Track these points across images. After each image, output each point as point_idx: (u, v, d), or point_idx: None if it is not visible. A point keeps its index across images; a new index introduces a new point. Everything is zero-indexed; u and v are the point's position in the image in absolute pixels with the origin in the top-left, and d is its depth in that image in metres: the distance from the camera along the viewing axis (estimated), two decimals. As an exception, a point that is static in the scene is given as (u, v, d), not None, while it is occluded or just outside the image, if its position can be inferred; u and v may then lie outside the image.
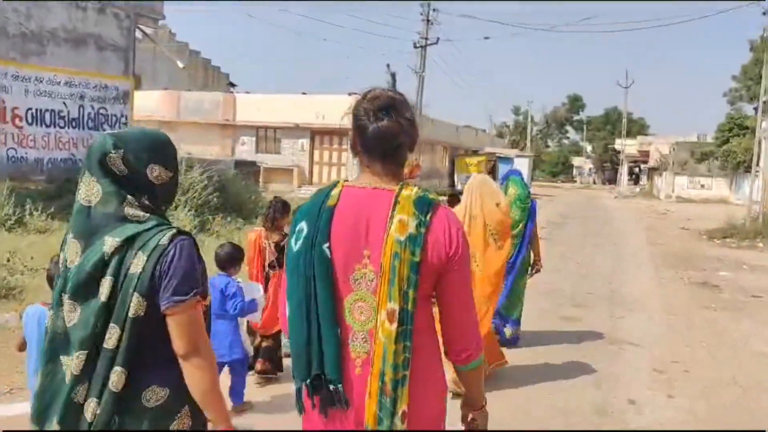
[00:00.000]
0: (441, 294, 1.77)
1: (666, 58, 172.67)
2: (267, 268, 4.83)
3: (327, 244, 1.70)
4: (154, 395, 1.82)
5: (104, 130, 11.28)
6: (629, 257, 13.55)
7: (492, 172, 38.54)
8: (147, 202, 1.85)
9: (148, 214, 1.83)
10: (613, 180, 66.77)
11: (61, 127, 10.97)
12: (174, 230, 1.83)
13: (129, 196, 1.82)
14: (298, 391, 1.78)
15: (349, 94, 26.41)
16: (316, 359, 1.71)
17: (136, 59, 35.06)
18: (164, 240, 1.78)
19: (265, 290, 4.74)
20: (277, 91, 28.40)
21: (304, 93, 27.72)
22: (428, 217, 1.69)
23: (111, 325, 1.76)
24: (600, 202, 37.11)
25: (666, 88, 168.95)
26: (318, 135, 26.73)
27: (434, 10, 22.92)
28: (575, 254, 13.40)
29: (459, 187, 36.55)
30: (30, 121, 10.36)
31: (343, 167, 26.20)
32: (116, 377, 1.75)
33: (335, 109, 26.46)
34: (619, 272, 11.43)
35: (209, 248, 10.24)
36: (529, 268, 6.24)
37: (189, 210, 10.77)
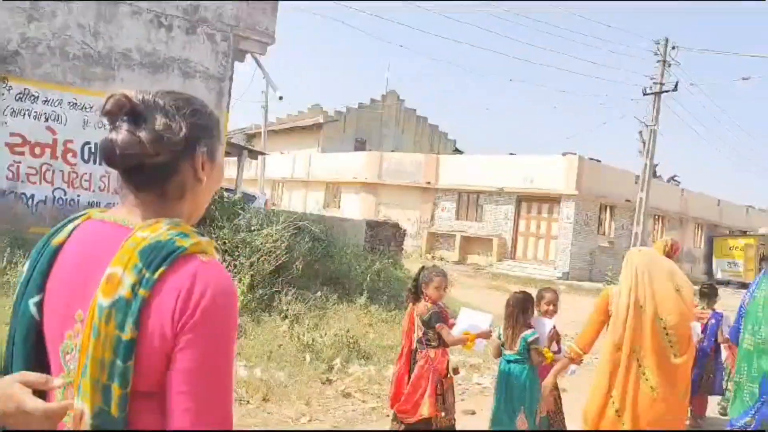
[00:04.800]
0: (167, 390, 1.11)
1: None
2: (415, 344, 4.41)
3: (36, 299, 1.21)
4: None
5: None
6: None
7: (764, 258, 30.49)
8: None
9: None
10: None
11: (126, 167, 9.22)
12: None
13: None
14: None
15: (563, 155, 22.30)
16: None
17: (362, 127, 35.45)
18: None
19: (409, 369, 4.40)
20: (488, 152, 25.31)
21: (512, 153, 24.21)
22: (157, 274, 1.10)
23: None
24: None
25: None
26: (525, 201, 22.84)
27: (674, 47, 17.88)
28: None
29: (719, 275, 29.30)
30: (86, 157, 8.69)
31: (553, 240, 21.80)
32: None
33: (546, 172, 22.61)
34: None
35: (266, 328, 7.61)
36: None
37: (247, 276, 8.01)
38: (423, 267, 4.61)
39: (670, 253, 7.11)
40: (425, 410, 4.19)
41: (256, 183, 31.26)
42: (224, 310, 1.14)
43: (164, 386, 1.13)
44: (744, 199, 63.83)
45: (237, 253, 8.34)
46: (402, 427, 4.37)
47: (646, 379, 3.68)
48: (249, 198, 17.52)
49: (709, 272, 29.89)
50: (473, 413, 5.82)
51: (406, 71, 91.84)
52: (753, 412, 4.85)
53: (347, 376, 6.67)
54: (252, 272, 8.22)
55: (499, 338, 4.46)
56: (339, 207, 27.66)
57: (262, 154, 18.77)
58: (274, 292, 8.33)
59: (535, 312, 4.63)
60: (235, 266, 8.23)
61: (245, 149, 15.34)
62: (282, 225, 8.80)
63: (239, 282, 8.01)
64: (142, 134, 1.18)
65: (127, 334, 1.08)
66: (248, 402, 5.36)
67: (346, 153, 29.28)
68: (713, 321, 6.45)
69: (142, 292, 1.09)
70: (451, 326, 4.39)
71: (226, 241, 8.37)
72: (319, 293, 9.01)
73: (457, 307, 10.77)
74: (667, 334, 3.72)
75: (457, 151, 37.85)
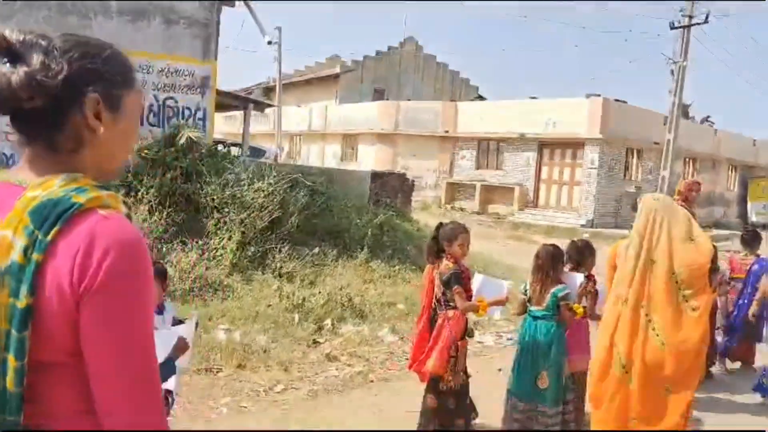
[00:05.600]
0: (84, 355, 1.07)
1: None
2: (434, 304, 4.14)
3: None
4: None
5: (173, 126, 8.75)
6: None
7: (804, 200, 29.23)
8: None
9: None
10: None
11: (109, 122, 8.72)
12: None
13: None
14: None
15: (587, 96, 21.24)
16: None
17: (380, 76, 34.46)
18: None
19: (430, 330, 4.12)
20: (513, 97, 24.32)
21: (533, 97, 23.21)
22: (50, 235, 1.04)
23: None
24: None
25: None
26: (547, 147, 21.96)
27: (704, -25, 16.52)
28: None
29: (754, 218, 28.18)
30: (67, 113, 8.25)
31: (576, 187, 21.00)
32: None
33: (569, 116, 21.60)
34: None
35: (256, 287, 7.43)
36: None
37: (237, 233, 7.60)
38: (441, 223, 4.25)
39: (684, 191, 6.62)
40: (430, 364, 3.96)
41: (274, 137, 30.83)
42: (131, 266, 1.07)
43: (70, 355, 1.07)
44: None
45: (226, 210, 7.92)
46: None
47: (657, 335, 3.44)
48: (258, 152, 17.09)
49: (744, 216, 28.78)
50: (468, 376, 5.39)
51: (424, 15, 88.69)
52: None
53: (337, 338, 6.29)
54: (243, 229, 7.81)
55: (525, 294, 4.24)
56: (356, 159, 27.08)
57: (269, 105, 18.20)
58: (268, 249, 7.93)
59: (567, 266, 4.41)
60: (225, 223, 7.83)
61: (251, 101, 14.78)
62: (274, 178, 8.31)
63: (228, 239, 7.62)
64: (14, 76, 1.08)
65: (21, 302, 1.03)
66: (220, 370, 4.99)
67: (362, 103, 28.49)
68: (756, 267, 6.10)
69: (35, 255, 1.03)
70: (471, 293, 4.13)
71: (215, 197, 7.95)
72: (316, 249, 8.59)
73: (477, 261, 10.28)
74: (680, 289, 3.47)
75: (480, 97, 36.66)
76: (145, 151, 7.71)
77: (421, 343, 4.16)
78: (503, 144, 22.91)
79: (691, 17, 16.97)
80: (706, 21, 16.86)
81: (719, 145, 26.81)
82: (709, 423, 4.77)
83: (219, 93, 15.09)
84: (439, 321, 4.03)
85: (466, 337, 4.17)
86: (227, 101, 15.28)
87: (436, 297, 4.10)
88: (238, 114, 36.63)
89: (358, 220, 9.22)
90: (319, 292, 7.06)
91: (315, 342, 6.03)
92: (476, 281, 4.23)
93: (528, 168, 22.19)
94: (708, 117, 41.11)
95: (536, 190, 22.13)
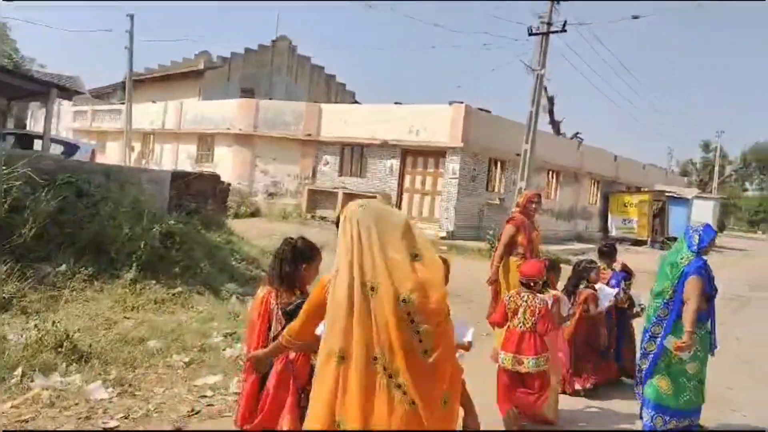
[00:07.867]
0: None
1: None
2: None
3: None
4: None
5: None
6: None
7: (659, 214, 30.38)
8: None
9: None
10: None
11: None
12: None
13: None
14: None
15: (450, 104, 20.49)
16: None
17: (249, 75, 32.37)
18: None
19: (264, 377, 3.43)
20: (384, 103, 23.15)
21: (397, 103, 22.22)
22: None
23: None
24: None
25: None
26: (410, 155, 20.98)
27: (563, -18, 16.10)
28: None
29: (613, 232, 28.81)
30: None
31: (438, 196, 20.13)
32: None
33: (432, 123, 20.77)
34: None
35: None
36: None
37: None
38: (290, 238, 3.61)
39: (522, 203, 6.64)
40: (285, 425, 3.25)
41: (122, 135, 27.97)
42: None
43: None
44: (644, 157, 63.55)
45: None
46: None
47: (404, 393, 2.39)
48: (71, 147, 14.72)
49: (605, 229, 29.45)
50: None
51: (298, 15, 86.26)
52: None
53: (20, 396, 4.49)
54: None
55: None
56: (212, 161, 24.91)
57: (78, 93, 15.83)
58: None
59: None
60: None
61: (54, 86, 12.49)
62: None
63: None
64: None
65: None
66: None
67: (219, 101, 26.37)
68: (613, 281, 6.07)
69: None
70: None
71: None
72: (63, 267, 6.71)
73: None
74: (412, 321, 2.43)
75: (356, 102, 35.59)
76: None
77: (252, 394, 3.45)
78: (367, 150, 21.72)
79: (549, 24, 16.49)
80: (563, 29, 16.44)
81: (582, 159, 27.14)
82: None
83: (9, 73, 12.70)
84: (278, 366, 3.34)
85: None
86: (27, 85, 12.92)
87: (274, 334, 3.33)
88: (88, 109, 33.18)
89: (128, 230, 7.39)
90: (22, 330, 5.22)
91: (-28, 406, 4.20)
92: None
93: (391, 176, 21.09)
94: (577, 133, 42.32)
95: (399, 199, 21.06)
